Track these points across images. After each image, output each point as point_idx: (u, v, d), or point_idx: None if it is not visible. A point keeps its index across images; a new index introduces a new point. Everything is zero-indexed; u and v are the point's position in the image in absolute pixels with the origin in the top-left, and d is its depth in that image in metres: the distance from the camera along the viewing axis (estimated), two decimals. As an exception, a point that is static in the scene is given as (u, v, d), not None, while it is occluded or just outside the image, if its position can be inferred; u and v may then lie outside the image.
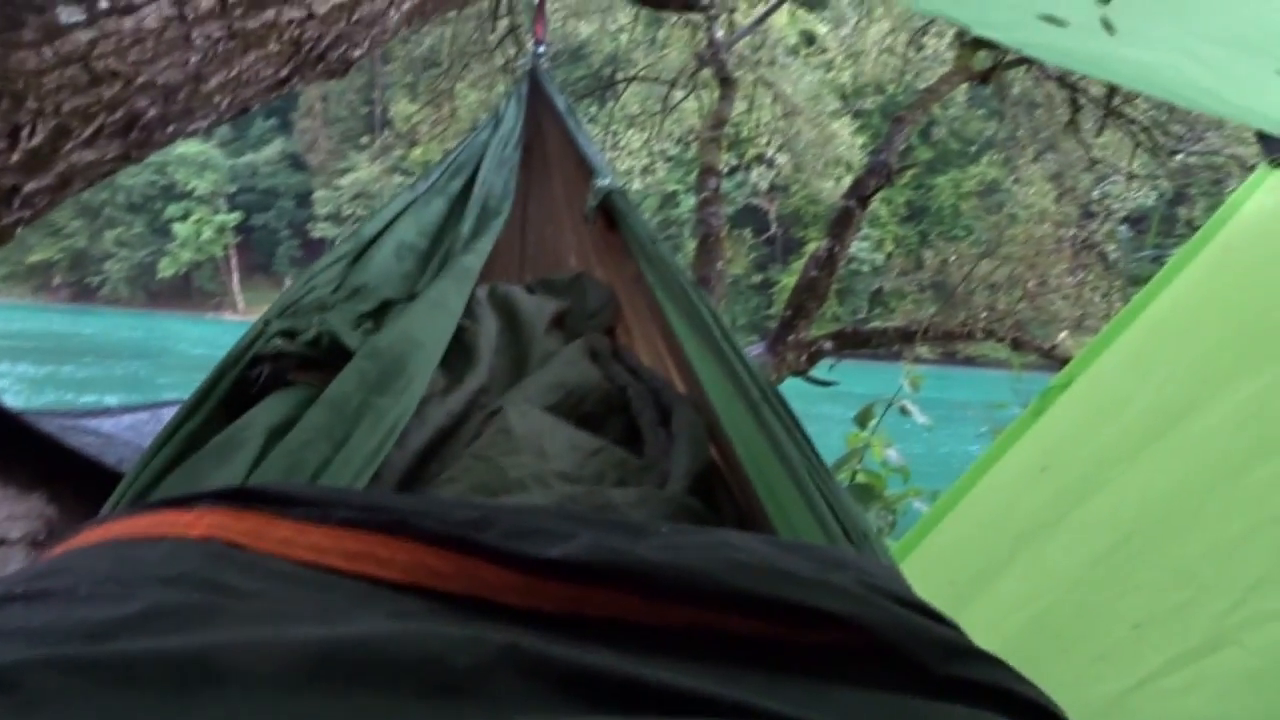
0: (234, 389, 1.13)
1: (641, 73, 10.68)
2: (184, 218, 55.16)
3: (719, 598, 0.50)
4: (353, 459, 0.96)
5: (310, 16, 1.74)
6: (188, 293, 59.07)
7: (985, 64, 6.11)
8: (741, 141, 12.76)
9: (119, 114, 1.48)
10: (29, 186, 1.40)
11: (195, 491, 0.57)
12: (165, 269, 56.50)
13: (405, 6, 1.99)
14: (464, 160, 1.83)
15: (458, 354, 1.34)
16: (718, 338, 1.33)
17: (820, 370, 5.92)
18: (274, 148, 58.48)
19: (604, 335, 1.75)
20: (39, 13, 1.38)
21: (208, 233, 56.08)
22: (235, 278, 59.79)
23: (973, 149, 38.65)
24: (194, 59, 1.56)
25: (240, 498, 0.56)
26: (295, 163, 58.14)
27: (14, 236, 1.47)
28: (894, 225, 39.32)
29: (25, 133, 1.36)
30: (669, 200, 36.72)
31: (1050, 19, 1.52)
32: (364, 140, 53.97)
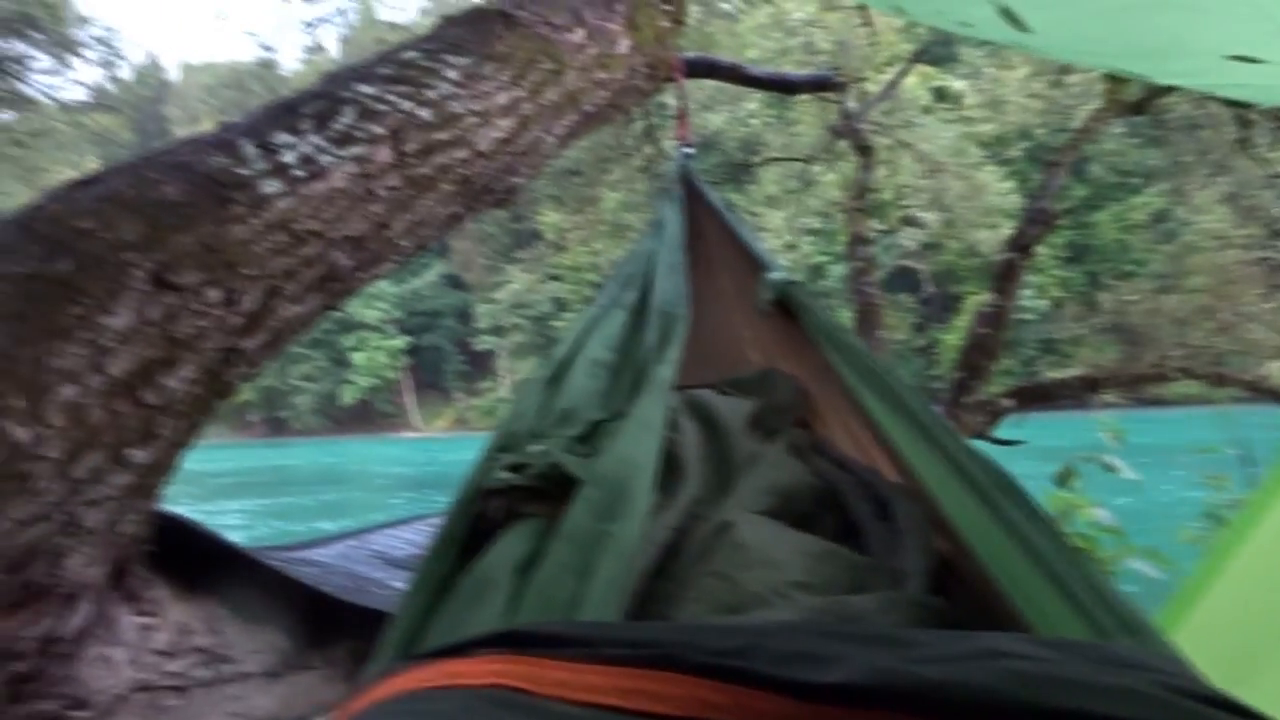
0: (470, 526, 1.18)
1: (777, 153, 10.78)
2: (359, 346, 58.75)
3: (1012, 715, 0.48)
4: (599, 590, 0.98)
5: (476, 155, 1.85)
6: (368, 416, 62.50)
7: (1138, 94, 5.86)
8: (886, 205, 12.63)
9: (318, 269, 1.61)
10: (247, 345, 1.53)
11: (466, 639, 0.59)
12: (346, 396, 60.14)
13: (559, 131, 2.10)
14: (635, 270, 1.88)
15: (666, 467, 1.36)
16: (926, 422, 1.30)
17: (1004, 428, 5.66)
18: (433, 271, 61.89)
19: (801, 429, 1.74)
20: (245, 188, 1.53)
21: (381, 358, 59.50)
22: (410, 397, 62.92)
23: (1133, 180, 36.85)
24: (378, 209, 1.68)
25: (512, 642, 0.57)
26: (454, 282, 61.28)
27: (235, 392, 1.61)
28: (1056, 268, 37.69)
29: (241, 297, 1.49)
30: (816, 272, 36.53)
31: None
32: (516, 253, 56.43)
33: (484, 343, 59.93)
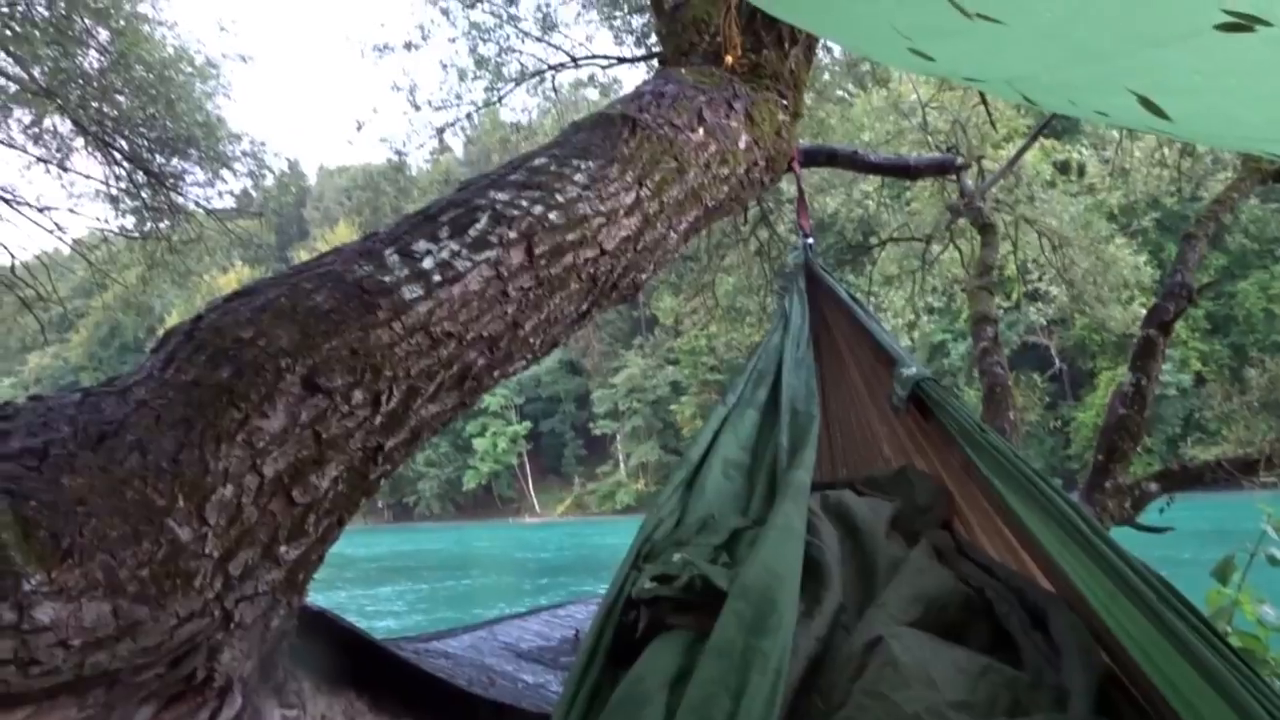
0: (617, 635, 1.19)
1: (895, 233, 10.69)
2: (481, 433, 60.04)
3: None
4: (753, 708, 0.97)
5: (602, 253, 1.91)
6: (489, 501, 63.51)
7: (1278, 163, 5.60)
8: (1010, 281, 12.31)
9: (455, 369, 1.67)
10: (389, 444, 1.59)
11: None
12: (469, 481, 61.33)
13: (682, 227, 2.15)
14: (764, 367, 1.88)
15: (806, 572, 1.34)
16: (1077, 526, 1.24)
17: (1149, 514, 5.33)
18: (552, 357, 63.04)
19: (943, 531, 1.68)
20: (388, 294, 1.61)
21: (503, 444, 60.60)
22: (529, 482, 63.72)
23: (1276, 249, 35.00)
24: (511, 309, 1.74)
25: None
26: (572, 368, 62.30)
27: (378, 488, 1.67)
28: (1197, 341, 35.86)
29: (384, 398, 1.55)
30: (938, 350, 35.70)
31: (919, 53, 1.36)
32: (633, 339, 57.14)
33: (602, 427, 60.48)
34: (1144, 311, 6.53)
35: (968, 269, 8.85)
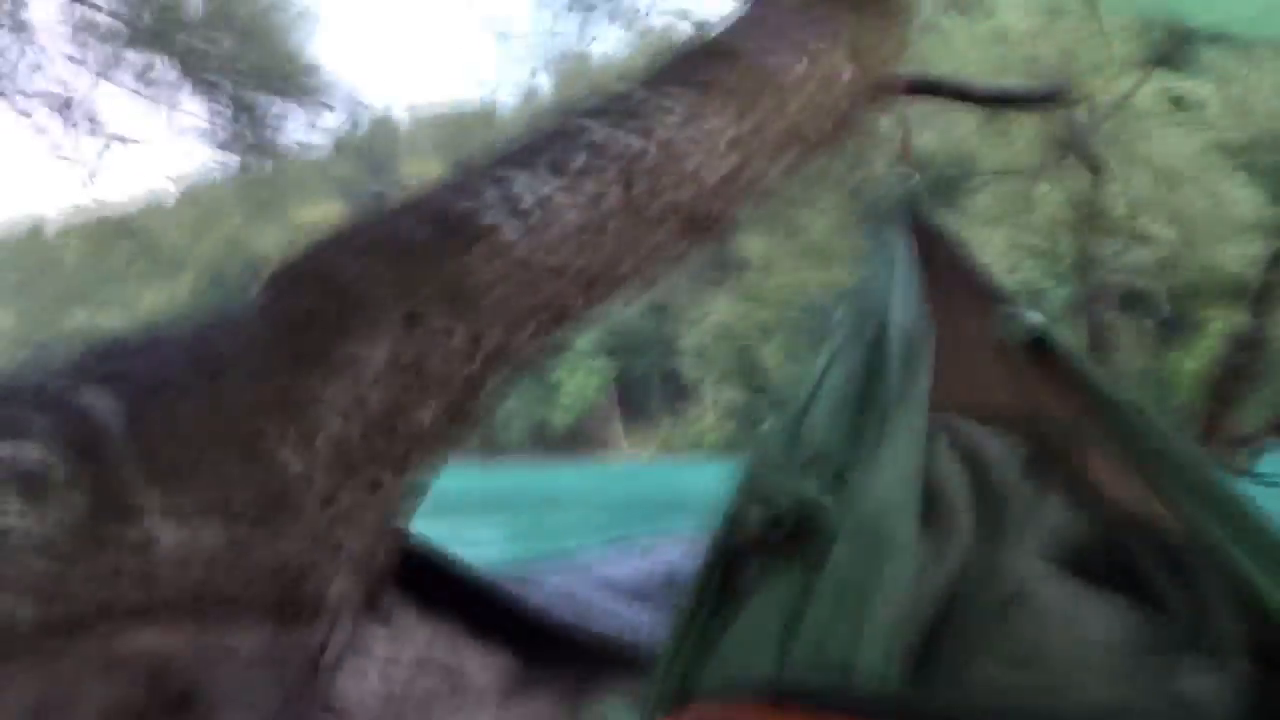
0: (727, 567, 1.18)
1: (995, 169, 10.29)
2: (570, 372, 60.78)
3: None
4: (874, 640, 0.96)
5: (700, 191, 1.87)
6: (576, 439, 64.47)
7: None
8: (1118, 221, 11.78)
9: (552, 306, 1.67)
10: (489, 380, 1.60)
11: (739, 685, 0.58)
12: (557, 419, 62.29)
13: (783, 162, 2.09)
14: (870, 300, 1.81)
15: (931, 512, 1.30)
16: (1206, 476, 1.19)
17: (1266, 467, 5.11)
18: (639, 298, 63.09)
19: (1080, 478, 1.61)
20: (486, 231, 1.60)
21: (591, 383, 61.26)
22: (617, 422, 64.45)
23: None
24: (608, 246, 1.73)
25: (784, 694, 0.56)
26: (659, 310, 62.27)
27: (478, 424, 1.68)
28: (1318, 285, 33.88)
29: (483, 335, 1.56)
30: (1039, 295, 34.60)
31: None
32: (722, 281, 56.80)
33: (689, 369, 60.58)
34: (1264, 254, 6.18)
35: (1073, 210, 8.50)
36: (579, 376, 60.94)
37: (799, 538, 1.15)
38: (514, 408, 62.14)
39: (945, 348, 1.93)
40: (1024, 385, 1.80)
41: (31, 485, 1.05)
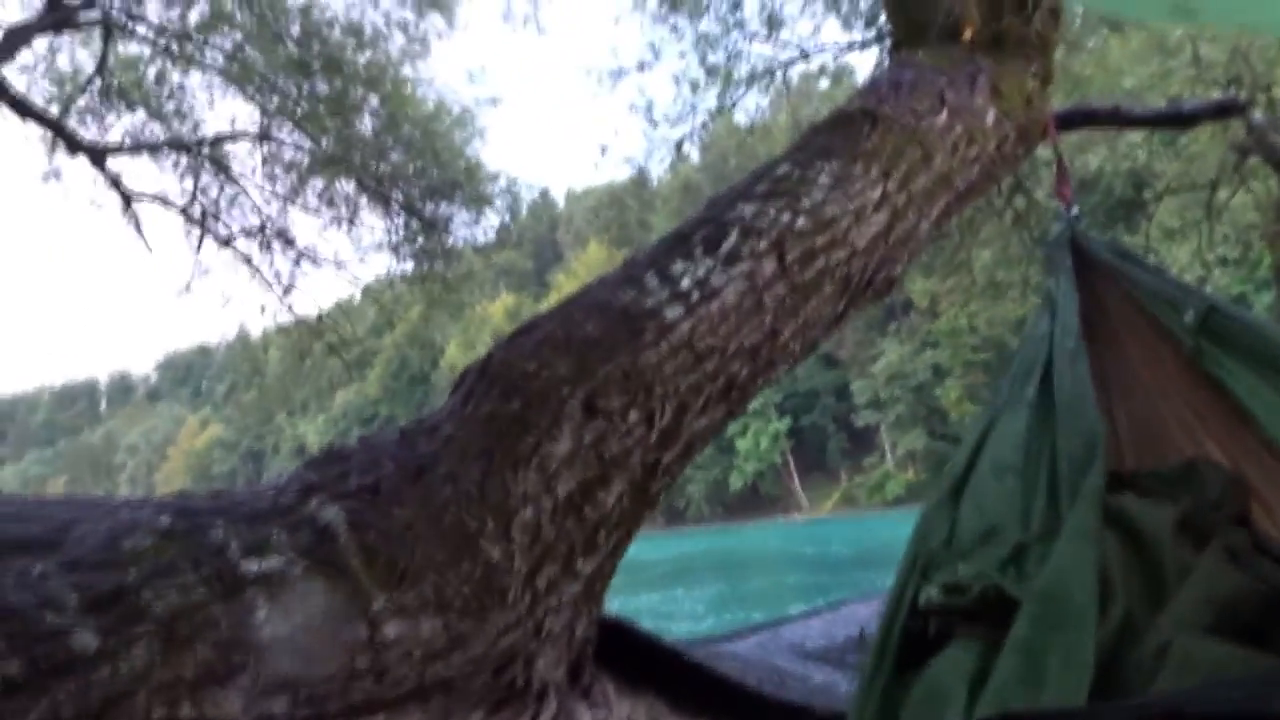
0: (904, 643, 1.20)
1: (1172, 183, 9.74)
2: (743, 433, 60.55)
3: None
4: (1056, 701, 0.96)
5: (854, 253, 1.91)
6: (756, 500, 63.90)
7: None
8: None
9: (720, 381, 1.73)
10: (666, 458, 1.67)
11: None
12: (735, 482, 62.06)
13: (934, 215, 2.10)
14: (1031, 360, 1.78)
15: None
16: None
17: None
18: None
19: (1238, 527, 1.53)
20: (651, 316, 1.69)
21: (765, 442, 60.81)
22: (795, 478, 63.50)
23: None
24: (768, 318, 1.78)
25: None
26: (828, 361, 61.50)
27: (659, 501, 1.76)
28: None
29: (657, 415, 1.64)
30: (1238, 303, 32.04)
31: None
32: (888, 325, 55.58)
33: (864, 418, 59.24)
34: None
35: (1264, 213, 7.93)
36: (754, 436, 60.67)
37: (982, 615, 1.16)
38: (691, 473, 62.34)
39: (1120, 393, 1.87)
40: (1198, 422, 1.72)
41: (278, 594, 1.19)
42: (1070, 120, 3.40)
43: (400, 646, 1.30)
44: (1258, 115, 6.98)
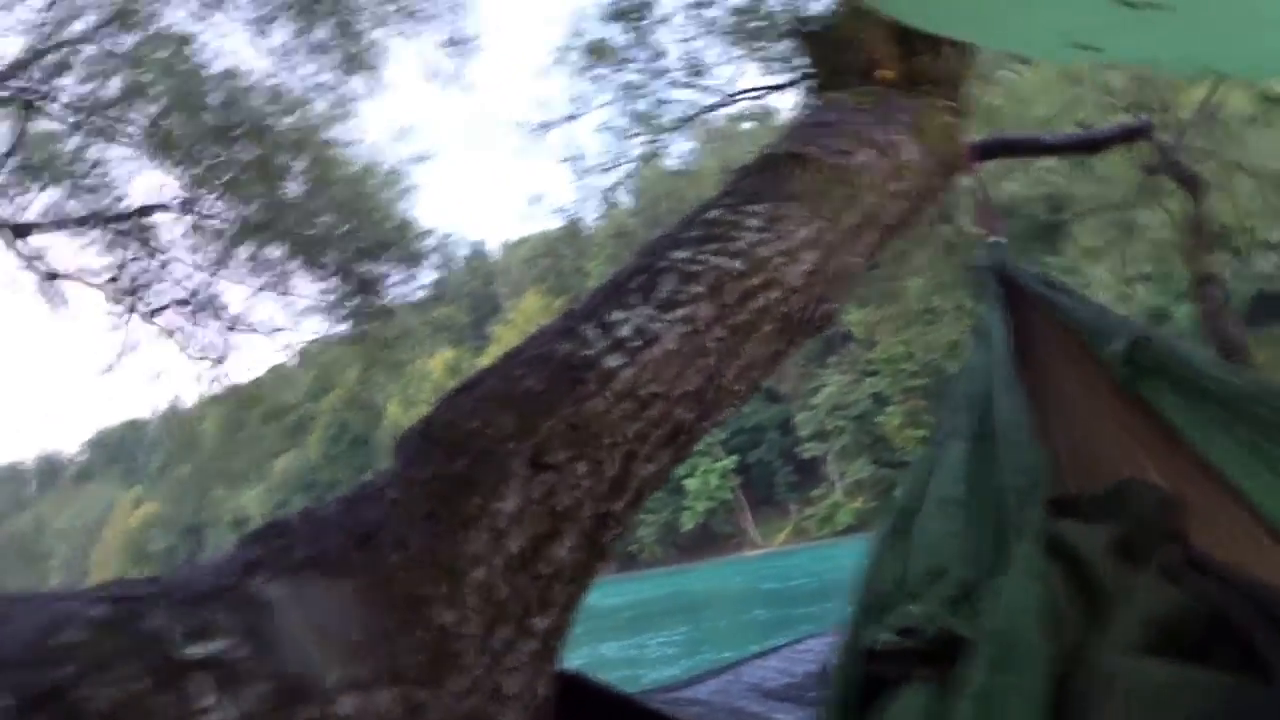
0: (858, 688, 1.20)
1: (1089, 205, 10.09)
2: (691, 473, 60.54)
3: None
4: None
5: (790, 291, 1.93)
6: (708, 539, 63.77)
7: None
8: (1231, 231, 11.33)
9: (665, 427, 1.73)
10: (616, 507, 1.66)
11: None
12: (686, 522, 61.93)
13: (863, 249, 2.14)
14: (970, 393, 1.80)
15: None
16: None
17: None
18: (750, 389, 62.84)
19: (1175, 546, 1.56)
20: (592, 366, 1.69)
21: (714, 480, 60.88)
22: (746, 514, 63.58)
23: None
24: (710, 361, 1.79)
25: None
26: (771, 396, 61.96)
27: (612, 551, 1.74)
28: None
29: (605, 465, 1.63)
30: (1159, 317, 33.12)
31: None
32: (827, 357, 56.29)
33: (810, 450, 59.70)
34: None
35: (1177, 230, 8.23)
36: (702, 475, 60.68)
37: (932, 656, 1.16)
38: (643, 516, 62.10)
39: (1057, 419, 1.90)
40: (1132, 440, 1.77)
41: (223, 679, 1.15)
42: (989, 150, 3.50)
43: (355, 722, 1.26)
44: (1163, 136, 7.27)
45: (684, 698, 2.45)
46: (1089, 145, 4.94)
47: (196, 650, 1.16)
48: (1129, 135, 5.25)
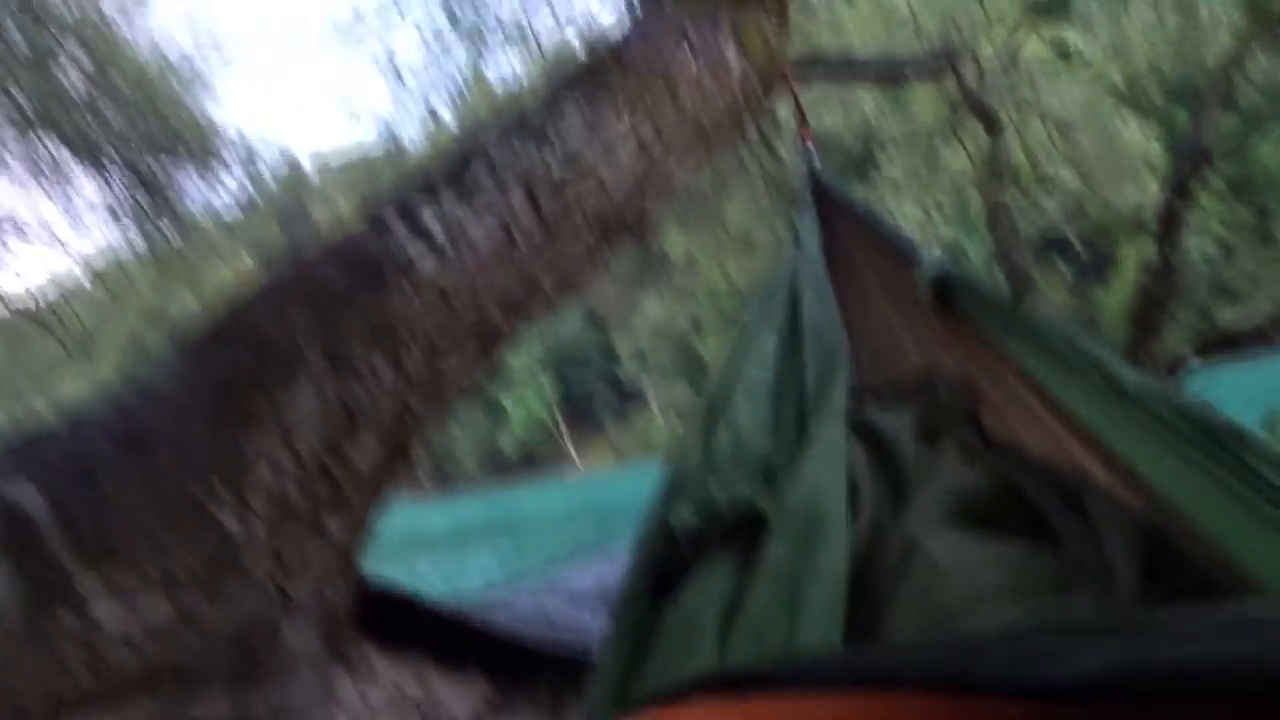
0: (659, 568, 1.18)
1: (897, 139, 10.51)
2: (510, 395, 60.40)
3: None
4: (812, 622, 0.97)
5: (604, 189, 1.88)
6: (529, 460, 64.09)
7: (1282, 8, 5.42)
8: (1021, 172, 12.11)
9: (470, 319, 1.66)
10: (417, 404, 1.59)
11: (679, 684, 0.58)
12: (505, 444, 61.92)
13: (681, 153, 2.11)
14: (779, 289, 1.82)
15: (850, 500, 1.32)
16: (1121, 387, 1.22)
17: (1194, 387, 5.29)
18: (572, 312, 63.10)
19: (970, 427, 1.65)
20: (394, 259, 1.60)
21: (533, 402, 61.02)
22: (565, 437, 64.24)
23: (1291, 104, 33.96)
24: (520, 256, 1.73)
25: (726, 683, 0.56)
26: (592, 319, 62.30)
27: (414, 452, 1.67)
28: (1218, 206, 35.01)
29: (405, 360, 1.55)
30: (954, 250, 35.26)
31: None
32: (646, 280, 56.99)
33: (630, 373, 60.67)
34: (1158, 188, 6.41)
35: (976, 166, 8.70)
36: (523, 397, 60.63)
37: (733, 533, 1.16)
38: (463, 437, 61.62)
39: (859, 318, 1.97)
40: (934, 341, 1.85)
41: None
42: (806, 68, 3.55)
43: (121, 633, 1.15)
44: (967, 77, 7.62)
45: (494, 603, 2.44)
46: (900, 72, 5.12)
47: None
48: (935, 65, 5.48)
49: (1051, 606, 1.06)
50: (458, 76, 10.74)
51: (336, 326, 1.51)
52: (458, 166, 1.78)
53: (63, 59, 7.80)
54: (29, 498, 1.18)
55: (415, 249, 1.62)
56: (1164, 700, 0.44)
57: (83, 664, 1.13)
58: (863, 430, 1.54)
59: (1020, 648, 0.51)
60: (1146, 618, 0.54)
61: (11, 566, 1.07)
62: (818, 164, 2.38)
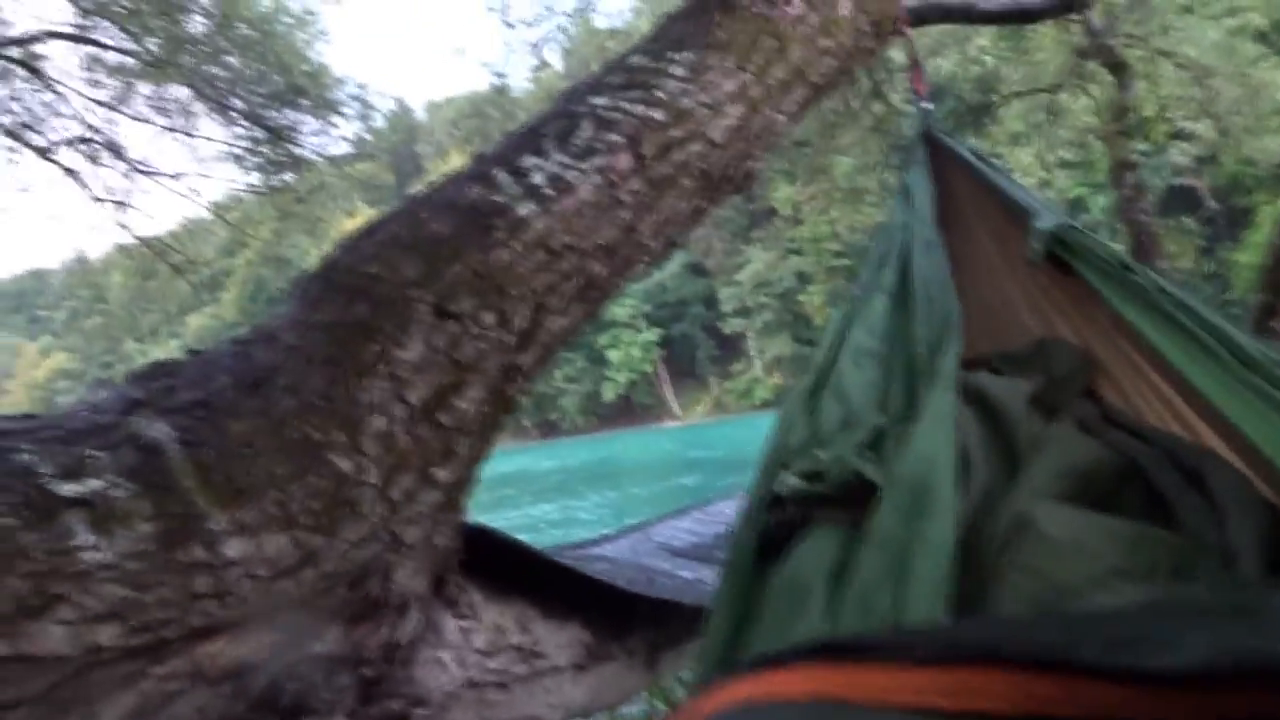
0: (765, 534, 1.19)
1: (1018, 87, 10.07)
2: (614, 344, 60.96)
3: None
4: (919, 593, 0.97)
5: (711, 146, 1.86)
6: (630, 410, 64.81)
7: None
8: (1150, 122, 11.47)
9: (577, 280, 1.68)
10: (523, 360, 1.62)
11: (784, 650, 0.59)
12: (608, 392, 62.71)
13: (790, 107, 2.07)
14: (889, 249, 1.78)
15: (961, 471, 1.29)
16: (1253, 366, 1.16)
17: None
18: (675, 262, 62.98)
19: (1087, 400, 1.60)
20: (502, 214, 1.62)
21: (636, 352, 61.44)
22: (667, 387, 64.58)
23: None
24: (625, 214, 1.73)
25: (830, 651, 0.56)
26: (696, 270, 62.15)
27: (517, 405, 1.71)
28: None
29: (513, 316, 1.58)
30: (1076, 205, 33.83)
31: None
32: (753, 233, 56.40)
33: (732, 325, 60.43)
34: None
35: (1102, 116, 8.30)
36: (625, 347, 61.15)
37: (842, 501, 1.16)
38: (565, 386, 62.61)
39: (972, 279, 1.91)
40: (1048, 305, 1.78)
41: (99, 518, 1.09)
42: (923, 14, 3.42)
43: (243, 566, 1.22)
44: (1095, 19, 7.23)
45: (592, 554, 2.49)
46: (1024, 15, 4.86)
47: (72, 488, 1.11)
48: (1064, 8, 5.18)
49: (1169, 590, 1.03)
50: (567, 24, 10.72)
51: (443, 276, 1.54)
52: (561, 118, 1.78)
53: (190, 7, 8.07)
54: (159, 431, 1.25)
55: (518, 200, 1.64)
56: (1276, 692, 0.42)
57: (209, 594, 1.20)
58: (974, 398, 1.50)
59: (1127, 629, 0.50)
60: (1263, 602, 0.52)
61: (150, 501, 1.14)
62: (931, 113, 2.30)
